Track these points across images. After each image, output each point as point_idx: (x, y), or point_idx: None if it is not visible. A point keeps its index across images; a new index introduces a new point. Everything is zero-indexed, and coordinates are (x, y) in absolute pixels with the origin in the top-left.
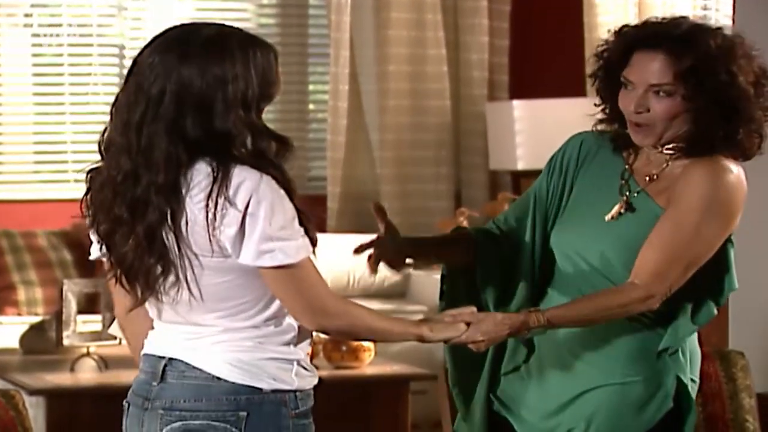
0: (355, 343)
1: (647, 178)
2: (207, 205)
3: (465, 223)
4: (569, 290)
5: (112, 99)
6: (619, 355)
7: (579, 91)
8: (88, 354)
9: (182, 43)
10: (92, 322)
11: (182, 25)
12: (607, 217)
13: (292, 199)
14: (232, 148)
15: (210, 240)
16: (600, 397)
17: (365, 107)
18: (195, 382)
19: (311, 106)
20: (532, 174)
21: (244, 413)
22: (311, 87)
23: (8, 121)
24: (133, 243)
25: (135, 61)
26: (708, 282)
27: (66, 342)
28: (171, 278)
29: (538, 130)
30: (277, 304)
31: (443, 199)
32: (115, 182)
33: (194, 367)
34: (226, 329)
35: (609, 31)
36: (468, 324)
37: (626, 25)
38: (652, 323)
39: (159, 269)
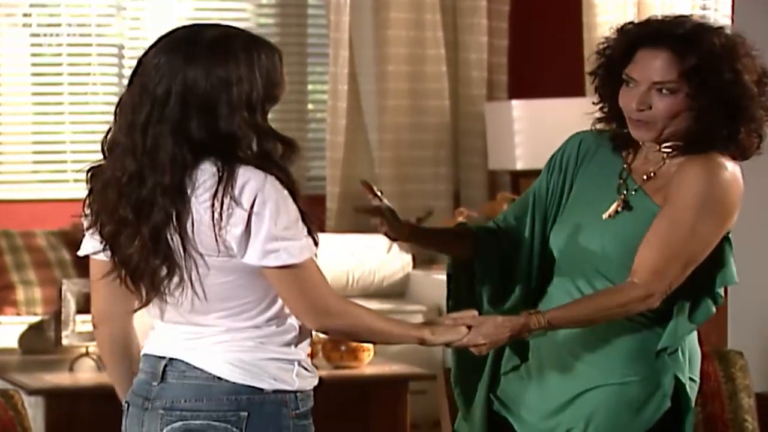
0: (355, 343)
1: (645, 177)
2: (213, 205)
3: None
4: (568, 289)
5: (111, 99)
6: (618, 355)
7: (578, 91)
8: (87, 354)
9: (187, 45)
10: (91, 322)
11: (187, 26)
12: (605, 216)
13: (296, 201)
14: (237, 149)
15: (216, 240)
16: (599, 397)
17: (364, 107)
18: (195, 382)
19: (310, 106)
20: (531, 174)
21: (245, 413)
22: (310, 87)
23: (7, 121)
24: (138, 244)
25: (140, 62)
26: (705, 280)
27: (65, 342)
28: (176, 279)
29: (537, 130)
30: (279, 304)
31: (442, 199)
32: (120, 183)
33: (195, 367)
34: (228, 329)
35: (611, 29)
36: (469, 327)
37: (629, 23)
38: (651, 323)
39: (164, 270)
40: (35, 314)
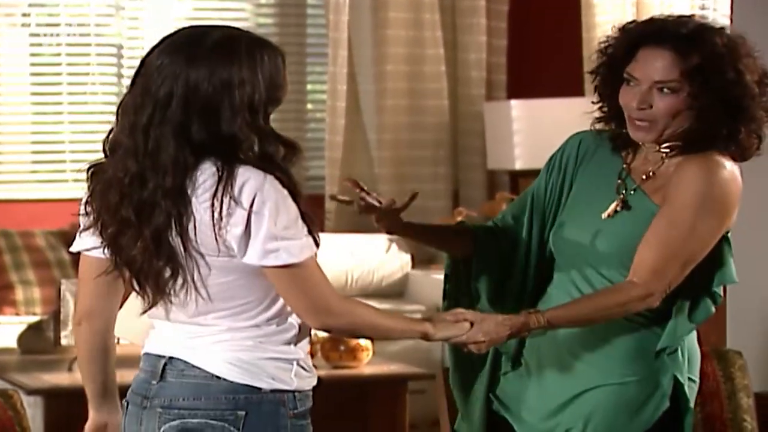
0: (354, 343)
1: (644, 176)
2: (213, 205)
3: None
4: (568, 289)
5: (110, 99)
6: (617, 355)
7: (577, 91)
8: None
9: (190, 46)
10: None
11: (191, 28)
12: (604, 215)
13: (297, 202)
14: (239, 152)
15: (216, 240)
16: (598, 397)
17: (363, 107)
18: (194, 380)
19: (309, 106)
20: (530, 174)
21: (243, 412)
22: (309, 87)
23: (6, 121)
24: (141, 246)
25: (143, 62)
26: (705, 280)
27: (64, 342)
28: (180, 280)
29: (535, 129)
30: (279, 304)
31: (441, 199)
32: (121, 184)
33: (194, 366)
34: (229, 329)
35: (612, 27)
36: (471, 324)
37: (632, 21)
38: (650, 323)
39: (168, 272)
40: (34, 314)
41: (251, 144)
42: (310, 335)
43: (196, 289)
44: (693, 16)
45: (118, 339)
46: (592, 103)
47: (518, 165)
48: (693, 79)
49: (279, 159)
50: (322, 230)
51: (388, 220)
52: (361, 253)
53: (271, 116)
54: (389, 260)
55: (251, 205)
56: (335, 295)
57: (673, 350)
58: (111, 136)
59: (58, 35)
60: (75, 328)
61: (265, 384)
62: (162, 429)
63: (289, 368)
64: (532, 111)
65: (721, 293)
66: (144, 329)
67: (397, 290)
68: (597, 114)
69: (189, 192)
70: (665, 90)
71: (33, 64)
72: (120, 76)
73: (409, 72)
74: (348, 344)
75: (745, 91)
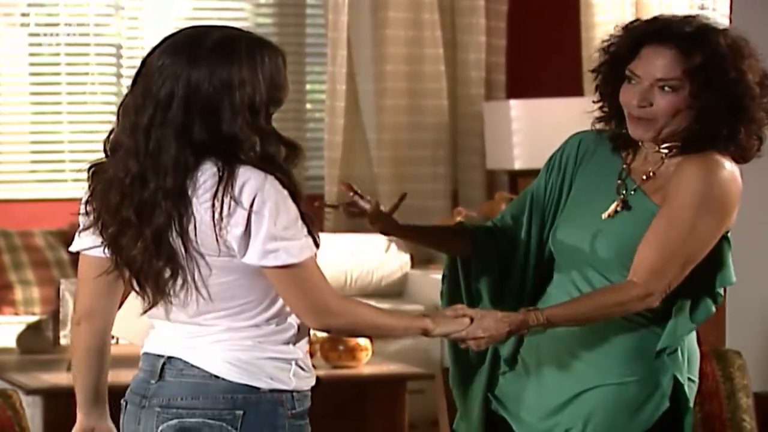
0: (353, 343)
1: (644, 177)
2: (213, 205)
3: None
4: (568, 289)
5: (109, 99)
6: (616, 355)
7: (576, 91)
8: None
9: (191, 47)
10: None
11: (192, 28)
12: (604, 216)
13: (297, 203)
14: (240, 152)
15: (217, 240)
16: (597, 397)
17: (362, 107)
18: (193, 380)
19: (308, 106)
20: (529, 173)
21: (241, 412)
22: (308, 86)
23: (5, 121)
24: (141, 246)
25: (143, 63)
26: (705, 280)
27: (63, 341)
28: (180, 281)
29: (535, 129)
30: (279, 303)
31: (440, 199)
32: (122, 184)
33: (193, 366)
34: (228, 328)
35: (616, 26)
36: (471, 319)
37: (636, 20)
38: (650, 322)
39: (168, 272)
40: (33, 314)
41: (253, 144)
42: (309, 335)
43: (196, 289)
44: (697, 16)
45: (117, 339)
46: (593, 102)
47: (517, 165)
48: (695, 78)
49: (280, 159)
50: (322, 230)
51: (381, 222)
52: (360, 252)
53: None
54: (388, 260)
55: (251, 205)
56: (334, 295)
57: (672, 350)
58: (112, 136)
59: (57, 35)
60: (74, 328)
61: (263, 384)
62: (160, 428)
63: (288, 368)
64: (532, 111)
65: (722, 293)
66: (143, 329)
67: (396, 290)
68: (597, 113)
69: (189, 192)
70: (666, 88)
71: (32, 64)
72: (119, 75)
73: (408, 72)
74: (347, 344)
75: (747, 92)
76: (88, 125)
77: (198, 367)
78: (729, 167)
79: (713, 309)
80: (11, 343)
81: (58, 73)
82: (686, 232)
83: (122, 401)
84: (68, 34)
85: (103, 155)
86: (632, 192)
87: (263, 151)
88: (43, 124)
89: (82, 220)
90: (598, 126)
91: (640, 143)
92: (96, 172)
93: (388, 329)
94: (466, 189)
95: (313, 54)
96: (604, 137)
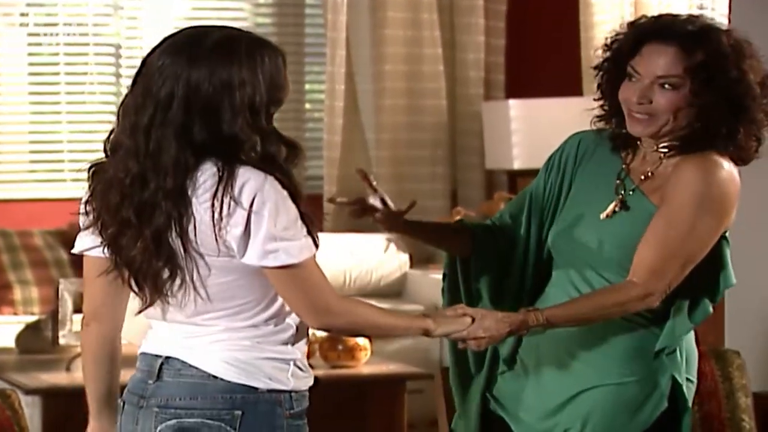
0: (352, 343)
1: (642, 177)
2: (213, 205)
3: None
4: (566, 288)
5: (108, 98)
6: (615, 355)
7: (575, 91)
8: None
9: (191, 47)
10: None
11: (192, 28)
12: (603, 216)
13: (297, 203)
14: (241, 152)
15: (216, 240)
16: (596, 397)
17: (361, 106)
18: (191, 380)
19: (307, 106)
20: (528, 173)
21: (239, 412)
22: (307, 86)
23: (4, 121)
24: (141, 246)
25: (143, 63)
26: (703, 280)
27: (62, 341)
28: (178, 281)
29: (534, 129)
30: (277, 304)
31: (439, 199)
32: (122, 185)
33: (191, 366)
34: (226, 329)
35: (621, 24)
36: (472, 319)
37: (641, 17)
38: (649, 323)
39: (167, 272)
40: (32, 314)
41: (253, 144)
42: (307, 336)
43: (195, 289)
44: (700, 16)
45: None
46: (594, 100)
47: (516, 165)
48: (696, 76)
49: (281, 160)
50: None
51: (388, 221)
52: (359, 252)
53: None
54: (387, 260)
55: (251, 206)
56: (335, 295)
57: (671, 350)
58: (112, 136)
59: (56, 35)
60: (83, 330)
61: (261, 384)
62: (158, 429)
63: (286, 368)
64: (531, 111)
65: (721, 293)
66: (142, 329)
67: (395, 290)
68: (598, 112)
69: (189, 193)
70: (666, 86)
71: (31, 64)
72: (118, 75)
73: (407, 71)
74: (346, 344)
75: (748, 91)
76: (87, 125)
77: (196, 367)
78: (727, 167)
79: (711, 310)
80: (10, 342)
81: (57, 73)
82: (685, 232)
83: (120, 401)
84: (67, 34)
85: (102, 155)
86: (631, 192)
87: (264, 151)
88: (42, 124)
89: (82, 220)
90: (598, 124)
91: (638, 143)
92: (96, 172)
93: (388, 329)
94: (465, 189)
95: (312, 54)
96: (603, 137)
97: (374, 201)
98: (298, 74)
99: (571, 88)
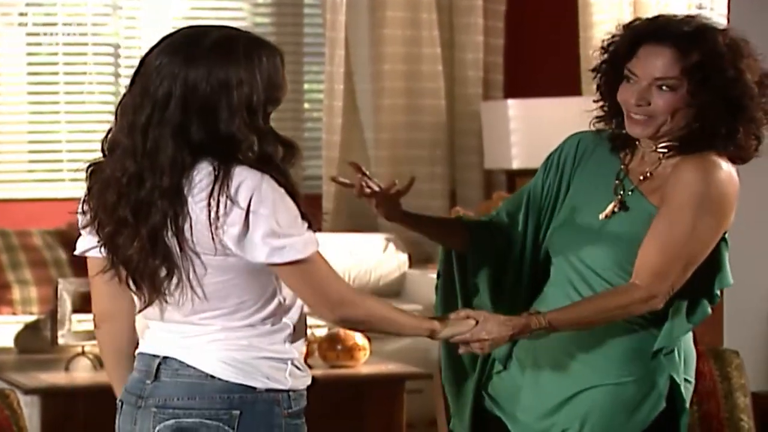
0: (351, 343)
1: (641, 177)
2: (209, 204)
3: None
4: (565, 288)
5: (107, 98)
6: (613, 355)
7: (574, 90)
8: (83, 353)
9: (188, 47)
10: (87, 321)
11: (190, 28)
12: (601, 216)
13: (296, 202)
14: (238, 152)
15: (213, 239)
16: (594, 398)
17: (360, 106)
18: (188, 380)
19: (306, 105)
20: (527, 173)
21: (237, 412)
22: (306, 86)
23: (3, 120)
24: (137, 245)
25: (142, 62)
26: (702, 281)
27: (61, 341)
28: (175, 280)
29: (533, 129)
30: (274, 303)
31: (438, 198)
32: (119, 184)
33: (188, 366)
34: (223, 328)
35: (617, 26)
36: (476, 322)
37: (636, 19)
38: (647, 323)
39: (164, 271)
40: (31, 313)
41: (250, 144)
42: (305, 335)
43: (191, 288)
44: (696, 16)
45: None
46: (594, 101)
47: (515, 164)
48: (692, 77)
49: (278, 159)
50: (320, 230)
51: (386, 206)
52: (358, 252)
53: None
54: (386, 260)
55: (249, 206)
56: (346, 287)
57: (669, 350)
58: (110, 135)
59: (55, 35)
60: (96, 332)
61: (259, 383)
62: (157, 429)
63: (284, 368)
64: (529, 110)
65: (718, 293)
66: (140, 328)
67: (394, 289)
68: (597, 113)
69: (185, 192)
70: (664, 87)
71: (30, 64)
72: (117, 75)
73: (406, 71)
74: (345, 344)
75: (745, 91)
76: (86, 125)
77: (193, 367)
78: (726, 168)
79: (709, 310)
80: (9, 342)
81: (56, 73)
82: (686, 232)
83: (118, 401)
84: (66, 34)
85: (101, 155)
86: (629, 192)
87: (261, 151)
88: (41, 124)
89: (81, 220)
90: (598, 125)
91: (637, 143)
92: (94, 171)
93: (398, 326)
94: (463, 188)
95: (311, 53)
96: (603, 137)
97: (372, 185)
98: (296, 74)
99: (570, 87)
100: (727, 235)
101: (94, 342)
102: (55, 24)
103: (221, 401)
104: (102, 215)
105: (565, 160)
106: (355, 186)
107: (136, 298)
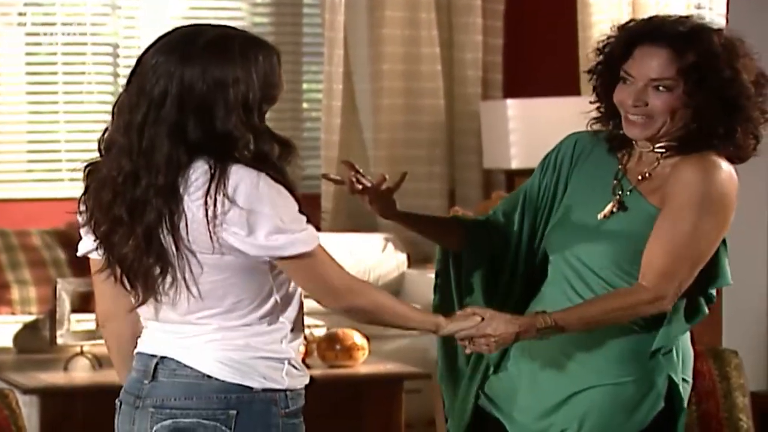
0: (350, 342)
1: (639, 177)
2: (206, 203)
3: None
4: (563, 287)
5: (106, 98)
6: (611, 356)
7: (573, 90)
8: (81, 353)
9: (184, 45)
10: (86, 321)
11: (187, 27)
12: (600, 216)
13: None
14: (234, 150)
15: (211, 237)
16: (592, 398)
17: (359, 106)
18: (186, 380)
19: (305, 105)
20: (525, 173)
21: (234, 411)
22: (305, 86)
23: (2, 120)
24: (132, 244)
25: (138, 61)
26: (700, 281)
27: (60, 341)
28: (169, 278)
29: (531, 128)
30: (270, 302)
31: (437, 198)
32: (115, 183)
33: (185, 366)
34: (220, 328)
35: (612, 27)
36: (482, 318)
37: (631, 20)
38: (645, 323)
39: (158, 270)
40: (30, 313)
41: (246, 142)
42: (303, 335)
43: (186, 287)
44: (691, 16)
45: None
46: (590, 102)
47: (514, 164)
48: (689, 77)
49: (274, 158)
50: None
51: (380, 202)
52: (357, 252)
53: (267, 115)
54: (385, 259)
55: (248, 204)
56: (354, 277)
57: (667, 350)
58: (106, 135)
59: (54, 34)
60: (102, 331)
61: (256, 383)
62: (154, 429)
63: (281, 367)
64: (528, 110)
65: (715, 293)
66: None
67: (393, 289)
68: (594, 114)
69: (181, 190)
70: (660, 88)
71: (29, 64)
72: (116, 75)
73: (405, 71)
74: (344, 343)
75: (741, 90)
76: (85, 125)
77: (190, 367)
78: (726, 167)
79: (707, 310)
80: (8, 342)
81: (55, 73)
82: (689, 232)
83: (116, 401)
84: (65, 34)
85: (99, 154)
86: (628, 193)
87: (257, 149)
88: (40, 124)
89: (81, 220)
90: (595, 127)
91: (634, 143)
92: (91, 171)
93: (404, 318)
94: (462, 188)
95: (310, 53)
96: (600, 138)
97: (365, 182)
98: (295, 74)
99: (569, 87)
100: (726, 237)
101: (93, 342)
102: (54, 24)
103: (218, 401)
104: (98, 214)
105: (563, 160)
106: (347, 182)
107: (131, 297)
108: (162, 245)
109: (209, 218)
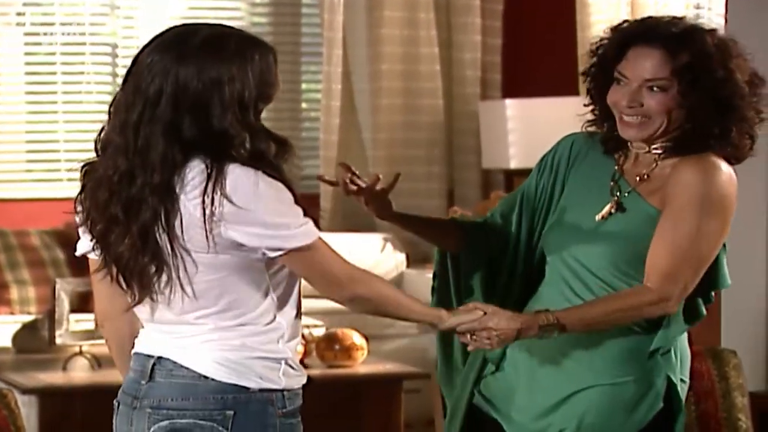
0: (348, 342)
1: (638, 178)
2: (203, 202)
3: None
4: (560, 287)
5: (105, 98)
6: (610, 356)
7: (571, 90)
8: (80, 353)
9: (180, 44)
10: (85, 321)
11: (182, 26)
12: (598, 217)
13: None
14: (230, 149)
15: (207, 236)
16: (591, 398)
17: (358, 106)
18: (182, 381)
19: (304, 105)
20: (524, 173)
21: (231, 412)
22: (304, 86)
23: (1, 120)
24: (128, 242)
25: (134, 60)
26: (700, 284)
27: (59, 341)
28: (164, 277)
29: (530, 128)
30: (266, 302)
31: (436, 198)
32: (111, 182)
33: (182, 366)
34: (216, 328)
35: (605, 30)
36: (484, 313)
37: (624, 21)
38: (644, 324)
39: (153, 268)
40: (29, 313)
41: (242, 141)
42: (301, 334)
43: (181, 286)
44: (684, 17)
45: None
46: (584, 105)
47: (513, 164)
48: (682, 78)
49: (270, 156)
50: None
51: (376, 203)
52: (356, 252)
53: (266, 115)
54: (384, 259)
55: (248, 203)
56: (356, 267)
57: (666, 350)
58: (102, 134)
59: (53, 35)
60: (100, 330)
61: (253, 383)
62: (152, 429)
63: (277, 367)
64: (527, 110)
65: (713, 294)
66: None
67: None
68: (589, 116)
69: (177, 189)
70: (655, 88)
71: (28, 64)
72: (115, 75)
73: (403, 71)
74: (343, 343)
75: (735, 90)
76: (83, 125)
77: (187, 368)
78: (725, 169)
79: (704, 311)
80: (7, 342)
81: (53, 73)
82: (691, 233)
83: (114, 402)
84: (64, 34)
85: (95, 154)
86: (626, 194)
87: (253, 148)
88: (38, 124)
89: (78, 219)
90: (590, 129)
91: (629, 144)
92: (88, 170)
93: (407, 310)
94: (461, 188)
95: (309, 53)
96: (596, 139)
97: (360, 182)
98: (294, 74)
99: (568, 87)
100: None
101: (92, 342)
102: (52, 24)
103: (215, 402)
104: (94, 213)
105: (559, 161)
106: (341, 183)
107: (128, 297)
108: (157, 244)
109: (206, 217)
